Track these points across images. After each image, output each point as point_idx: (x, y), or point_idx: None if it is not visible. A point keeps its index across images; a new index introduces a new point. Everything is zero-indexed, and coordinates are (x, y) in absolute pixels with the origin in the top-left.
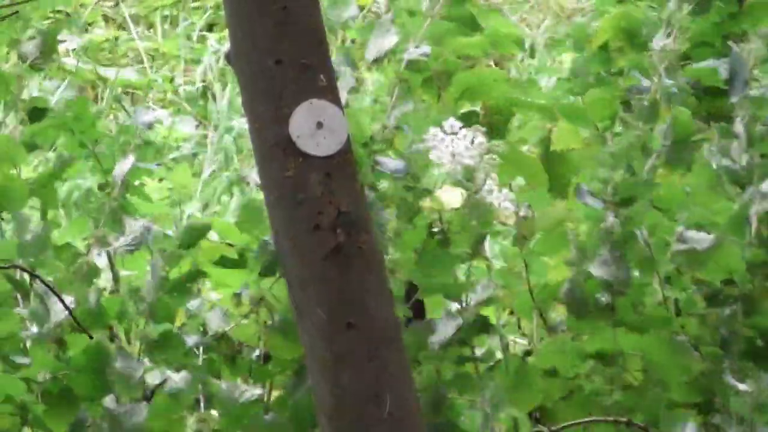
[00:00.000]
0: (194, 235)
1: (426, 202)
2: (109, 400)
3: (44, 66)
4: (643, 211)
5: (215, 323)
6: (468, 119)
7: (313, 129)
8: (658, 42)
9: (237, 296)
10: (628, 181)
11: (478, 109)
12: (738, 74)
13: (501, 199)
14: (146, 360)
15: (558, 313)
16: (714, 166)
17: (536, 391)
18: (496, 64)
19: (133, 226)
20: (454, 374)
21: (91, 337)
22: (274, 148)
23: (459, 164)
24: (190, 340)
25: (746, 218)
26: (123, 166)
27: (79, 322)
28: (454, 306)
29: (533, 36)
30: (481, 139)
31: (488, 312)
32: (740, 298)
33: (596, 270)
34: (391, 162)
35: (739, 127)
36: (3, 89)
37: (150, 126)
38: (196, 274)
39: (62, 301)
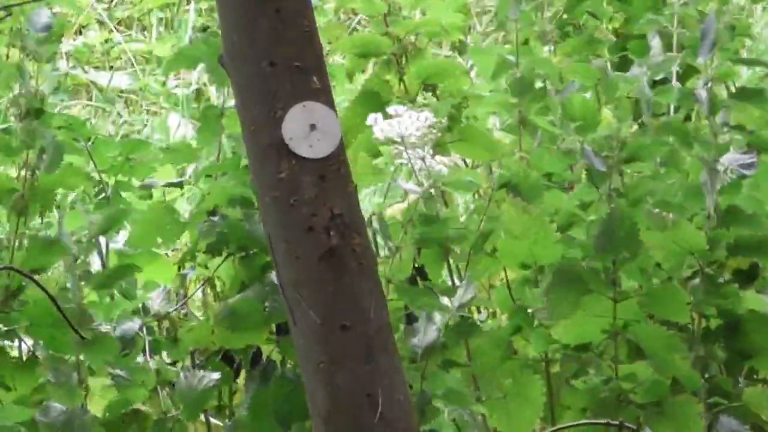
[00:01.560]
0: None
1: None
2: (42, 410)
3: (46, 59)
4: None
5: (157, 305)
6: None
7: (306, 131)
8: None
9: (182, 277)
10: (640, 142)
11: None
12: (707, 36)
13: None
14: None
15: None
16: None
17: (539, 403)
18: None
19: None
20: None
21: (82, 338)
22: (268, 150)
23: (408, 141)
24: (133, 324)
25: (711, 186)
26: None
27: (72, 323)
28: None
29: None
30: (430, 115)
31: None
32: (702, 277)
33: (598, 238)
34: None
35: (701, 93)
36: (3, 83)
37: (47, 29)
38: (125, 271)
39: (55, 303)
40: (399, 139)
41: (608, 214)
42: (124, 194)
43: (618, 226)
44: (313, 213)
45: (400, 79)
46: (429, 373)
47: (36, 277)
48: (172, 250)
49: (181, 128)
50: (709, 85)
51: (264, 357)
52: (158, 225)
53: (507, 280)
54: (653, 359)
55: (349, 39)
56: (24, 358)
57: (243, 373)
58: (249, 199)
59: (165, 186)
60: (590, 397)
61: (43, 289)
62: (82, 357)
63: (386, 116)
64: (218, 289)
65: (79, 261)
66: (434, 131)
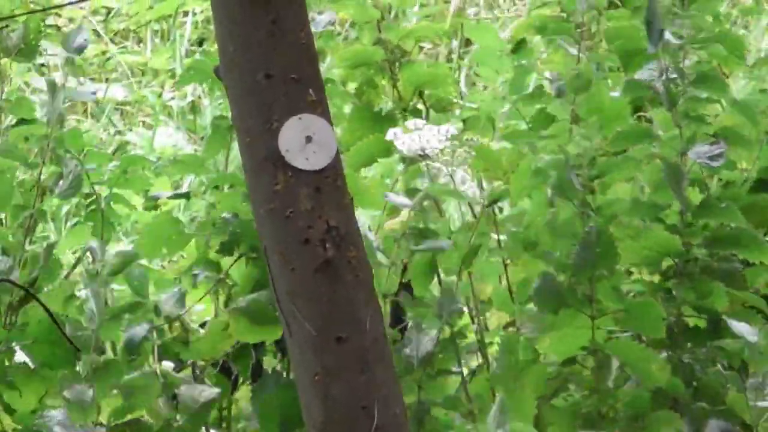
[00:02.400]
0: (123, 263)
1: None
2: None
3: (28, 61)
4: (625, 196)
5: (169, 307)
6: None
7: (302, 143)
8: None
9: (194, 277)
10: (610, 161)
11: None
12: (653, 24)
13: (471, 189)
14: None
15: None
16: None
17: (530, 406)
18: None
19: (69, 166)
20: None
21: (78, 350)
22: (264, 162)
23: (428, 155)
24: (140, 330)
25: (676, 184)
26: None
27: (72, 341)
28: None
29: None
30: (452, 130)
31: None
32: (680, 276)
33: (577, 256)
34: (398, 198)
35: (658, 85)
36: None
37: (80, 50)
38: (136, 307)
39: (54, 319)
40: (422, 153)
41: (586, 232)
42: (116, 207)
43: (595, 245)
44: (309, 225)
45: (394, 86)
46: (425, 382)
47: (40, 296)
48: (168, 262)
49: (169, 140)
50: (664, 76)
51: (266, 368)
52: (163, 236)
53: (508, 282)
54: (632, 372)
55: (340, 52)
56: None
57: (243, 386)
58: None
59: (171, 198)
60: (571, 415)
61: (42, 305)
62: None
63: (406, 131)
64: (230, 290)
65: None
66: (466, 149)
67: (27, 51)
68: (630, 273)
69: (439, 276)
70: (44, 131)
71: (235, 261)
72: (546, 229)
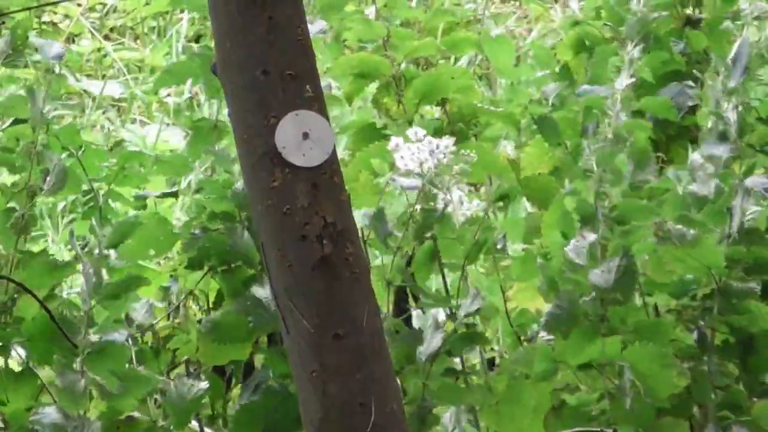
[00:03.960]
0: (122, 235)
1: None
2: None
3: (17, 63)
4: (644, 233)
5: (141, 316)
6: (431, 127)
7: (299, 140)
8: (620, 82)
9: (165, 289)
10: (629, 202)
11: (438, 116)
12: (739, 60)
13: (473, 208)
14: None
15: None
16: (680, 191)
17: (527, 407)
18: (480, 79)
19: (53, 161)
20: (440, 385)
21: (75, 346)
22: (261, 158)
23: (425, 170)
24: (120, 335)
25: (728, 210)
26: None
27: (66, 333)
28: (441, 315)
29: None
30: (448, 143)
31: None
32: (718, 293)
33: (594, 278)
34: (406, 180)
35: (730, 116)
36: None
37: (59, 58)
38: (134, 281)
39: (48, 312)
40: (419, 170)
41: (609, 259)
42: (114, 204)
43: (614, 271)
44: (306, 221)
45: (399, 101)
46: (431, 379)
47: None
48: (164, 258)
49: (164, 137)
50: (740, 108)
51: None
52: (152, 237)
53: (506, 308)
54: (645, 382)
55: (346, 58)
56: (18, 369)
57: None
58: (231, 214)
59: (159, 197)
60: (580, 415)
61: (39, 300)
62: (85, 368)
63: (406, 139)
64: (201, 303)
65: (91, 271)
66: (463, 164)
67: (14, 56)
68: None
69: (442, 271)
70: (29, 134)
71: (204, 275)
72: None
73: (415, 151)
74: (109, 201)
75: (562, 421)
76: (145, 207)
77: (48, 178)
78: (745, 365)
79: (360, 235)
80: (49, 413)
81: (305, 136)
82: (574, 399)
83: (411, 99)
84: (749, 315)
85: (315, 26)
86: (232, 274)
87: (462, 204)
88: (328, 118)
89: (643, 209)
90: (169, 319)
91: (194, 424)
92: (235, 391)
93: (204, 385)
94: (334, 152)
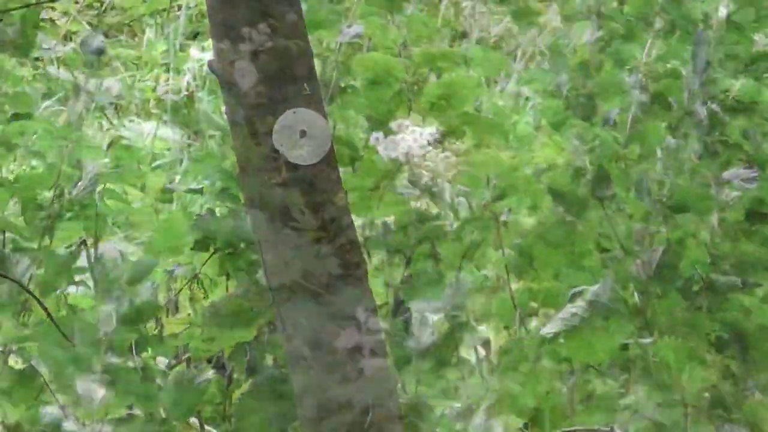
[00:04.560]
0: (141, 273)
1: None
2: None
3: (25, 55)
4: (698, 222)
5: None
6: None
7: (296, 138)
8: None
9: (169, 273)
10: (686, 189)
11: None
12: (699, 55)
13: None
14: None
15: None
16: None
17: (530, 398)
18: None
19: (89, 167)
20: (435, 379)
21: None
22: (259, 156)
23: (411, 160)
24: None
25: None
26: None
27: (66, 335)
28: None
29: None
30: (433, 131)
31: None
32: (705, 289)
33: (638, 269)
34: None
35: (701, 110)
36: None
37: (99, 53)
38: (149, 309)
39: (49, 314)
40: (403, 158)
41: (662, 251)
42: (110, 202)
43: (659, 264)
44: (303, 219)
45: (409, 110)
46: (424, 375)
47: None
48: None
49: (161, 134)
50: (708, 103)
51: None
52: (179, 233)
53: (511, 292)
54: (671, 376)
55: (360, 57)
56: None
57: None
58: (236, 195)
59: (187, 192)
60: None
61: (38, 300)
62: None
63: (390, 133)
64: (206, 286)
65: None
66: (452, 156)
67: (24, 45)
68: None
69: (441, 271)
70: (65, 134)
71: (210, 257)
72: (541, 241)
73: (398, 140)
74: (105, 199)
75: (588, 412)
76: (171, 201)
77: (79, 183)
78: (740, 361)
79: (358, 234)
80: (52, 413)
81: (303, 134)
82: (601, 385)
83: (423, 105)
84: (741, 310)
85: (353, 29)
86: (237, 257)
87: (446, 193)
88: (325, 117)
89: (703, 197)
90: (169, 310)
91: (194, 422)
92: (236, 393)
93: (207, 375)
94: (331, 150)
